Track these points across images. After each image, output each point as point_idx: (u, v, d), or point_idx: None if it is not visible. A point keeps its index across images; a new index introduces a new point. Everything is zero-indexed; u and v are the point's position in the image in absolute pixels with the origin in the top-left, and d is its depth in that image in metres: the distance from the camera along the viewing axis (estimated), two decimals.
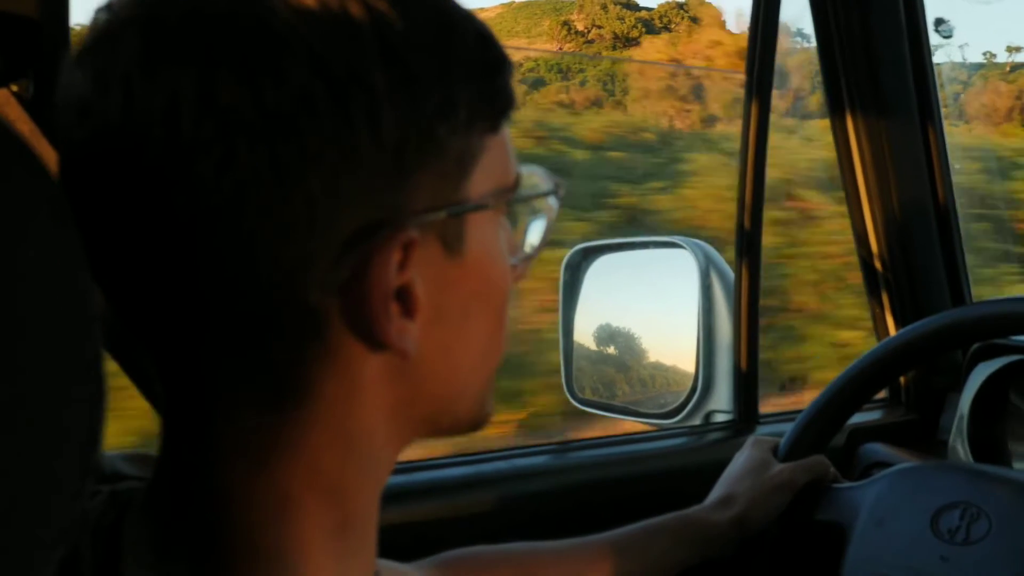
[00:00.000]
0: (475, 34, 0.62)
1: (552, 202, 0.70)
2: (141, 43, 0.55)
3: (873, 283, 1.76)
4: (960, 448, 1.52)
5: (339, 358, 0.59)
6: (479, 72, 0.61)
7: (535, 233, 0.70)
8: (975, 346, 1.54)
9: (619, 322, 1.76)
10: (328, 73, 0.54)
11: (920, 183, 1.69)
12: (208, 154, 0.53)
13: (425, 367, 0.62)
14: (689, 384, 1.66)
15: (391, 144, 0.56)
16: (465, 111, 0.60)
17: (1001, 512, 1.15)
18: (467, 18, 0.62)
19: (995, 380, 1.52)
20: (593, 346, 1.75)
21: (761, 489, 1.26)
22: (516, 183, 0.66)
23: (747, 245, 1.60)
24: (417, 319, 0.60)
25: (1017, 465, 1.50)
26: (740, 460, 1.32)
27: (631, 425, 1.74)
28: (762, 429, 1.63)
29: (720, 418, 1.65)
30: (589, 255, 1.75)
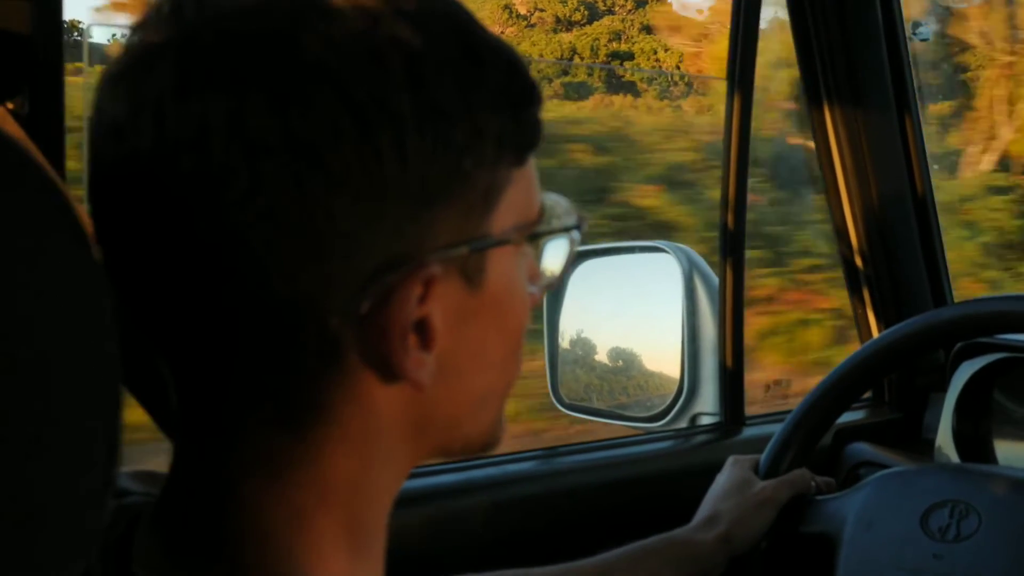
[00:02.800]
0: (505, 64, 0.61)
1: (575, 236, 0.69)
2: (174, 68, 0.55)
3: (854, 282, 1.77)
4: (946, 447, 1.53)
5: (355, 384, 0.59)
6: (508, 103, 0.61)
7: (554, 259, 0.69)
8: (958, 345, 1.55)
9: (604, 327, 1.77)
10: (355, 102, 0.55)
11: (899, 182, 1.71)
12: (236, 179, 0.54)
13: (440, 394, 0.63)
14: (675, 387, 1.66)
15: (416, 175, 0.56)
16: (492, 143, 0.59)
17: (989, 507, 1.17)
18: (498, 47, 0.62)
19: (979, 379, 1.53)
20: (578, 351, 1.76)
21: (745, 507, 1.27)
22: (539, 217, 0.65)
23: (731, 245, 1.61)
24: (433, 349, 0.60)
25: (1002, 462, 1.52)
26: (722, 480, 1.33)
27: (617, 429, 1.74)
28: (748, 431, 1.64)
29: (706, 420, 1.66)
30: (574, 260, 1.75)
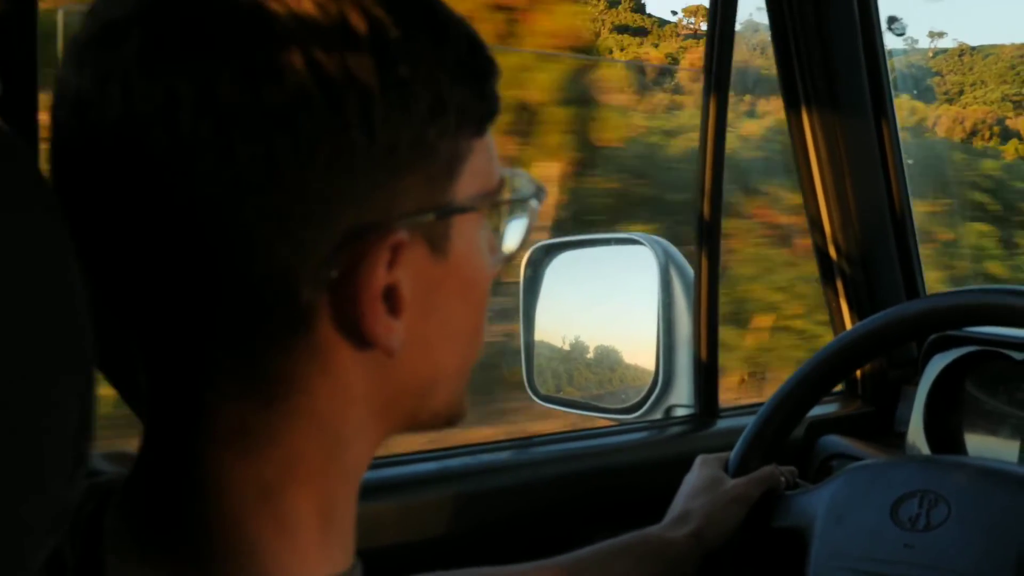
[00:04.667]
0: (466, 39, 0.63)
1: (534, 205, 0.71)
2: (142, 41, 0.56)
3: (829, 277, 1.79)
4: (918, 439, 1.54)
5: (326, 353, 0.60)
6: (469, 76, 0.63)
7: (513, 234, 0.71)
8: (930, 338, 1.56)
9: (580, 318, 1.78)
10: (324, 73, 0.55)
11: (874, 178, 1.73)
12: (206, 150, 0.54)
13: (407, 363, 0.64)
14: (650, 379, 1.67)
15: (384, 145, 0.57)
16: (455, 114, 0.61)
17: (958, 495, 1.18)
18: (458, 23, 0.63)
19: (951, 371, 1.54)
20: (554, 342, 1.76)
21: (716, 505, 1.27)
22: (500, 186, 0.67)
23: (707, 235, 1.62)
24: (402, 317, 0.61)
25: (972, 454, 1.53)
26: (691, 479, 1.33)
27: (593, 420, 1.75)
28: (722, 422, 1.65)
29: (681, 412, 1.67)
30: (550, 252, 1.76)
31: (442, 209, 0.62)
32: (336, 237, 0.57)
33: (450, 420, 0.71)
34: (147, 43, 0.55)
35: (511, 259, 0.72)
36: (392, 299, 0.60)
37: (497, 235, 0.70)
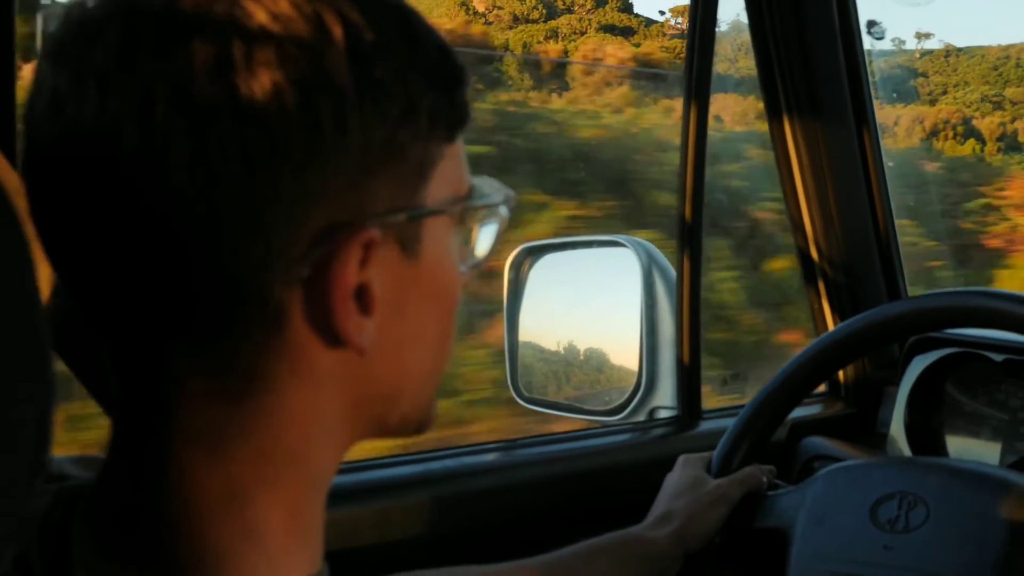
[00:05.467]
0: (437, 46, 0.64)
1: (503, 212, 0.72)
2: (118, 38, 0.56)
3: (812, 280, 1.80)
4: (898, 440, 1.55)
5: (296, 352, 0.60)
6: (440, 82, 0.63)
7: (483, 241, 0.72)
8: (911, 340, 1.57)
9: (563, 320, 1.78)
10: (299, 73, 0.56)
11: (856, 182, 1.74)
12: (181, 148, 0.55)
13: (378, 365, 0.64)
14: (633, 381, 1.68)
15: (356, 146, 0.58)
16: (426, 119, 0.62)
17: (937, 497, 1.18)
18: (430, 30, 0.64)
19: (931, 372, 1.55)
20: (538, 344, 1.77)
21: (698, 505, 1.28)
22: (470, 192, 0.68)
23: (689, 237, 1.63)
24: (374, 317, 0.62)
25: (953, 455, 1.54)
26: (673, 479, 1.34)
27: (576, 422, 1.76)
28: (705, 424, 1.66)
29: (664, 414, 1.67)
30: (533, 254, 1.76)
31: (413, 210, 0.63)
32: (308, 235, 0.58)
33: (419, 426, 0.71)
34: (125, 40, 0.56)
35: (481, 265, 0.73)
36: (364, 298, 0.61)
37: (467, 242, 0.71)
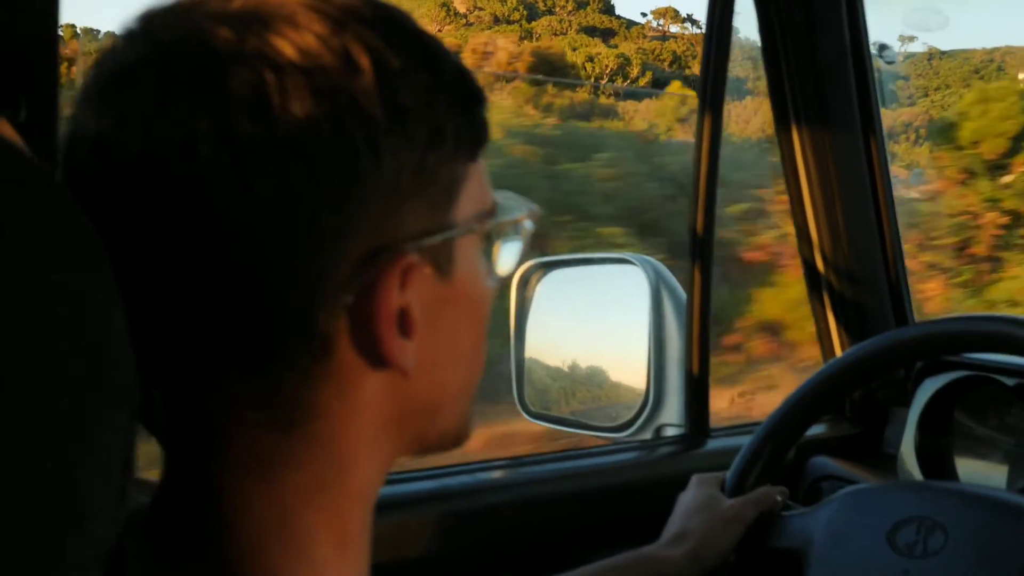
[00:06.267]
0: (456, 68, 0.65)
1: (528, 225, 0.74)
2: (157, 80, 0.57)
3: (817, 295, 1.80)
4: (909, 463, 1.56)
5: (343, 378, 0.62)
6: (461, 103, 0.65)
7: (508, 254, 0.73)
8: (921, 362, 1.58)
9: (570, 336, 1.78)
10: (332, 104, 0.57)
11: (863, 202, 1.74)
12: (224, 184, 0.56)
13: (417, 383, 0.65)
14: (639, 398, 1.68)
15: (390, 172, 0.59)
16: (451, 140, 0.63)
17: (955, 523, 1.19)
18: (447, 53, 0.66)
19: (940, 396, 1.56)
20: (545, 360, 1.77)
21: (713, 524, 1.28)
22: (494, 208, 0.70)
23: (700, 250, 1.63)
24: (414, 338, 0.62)
25: (963, 479, 1.55)
26: (688, 498, 1.34)
27: (583, 438, 1.76)
28: (713, 443, 1.66)
29: (671, 431, 1.68)
30: (542, 270, 1.77)
31: (447, 231, 0.64)
32: (350, 262, 0.59)
33: (457, 440, 0.72)
34: (164, 81, 0.57)
35: (506, 280, 0.74)
36: (404, 321, 0.62)
37: (490, 257, 0.72)
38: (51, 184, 0.51)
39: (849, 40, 1.69)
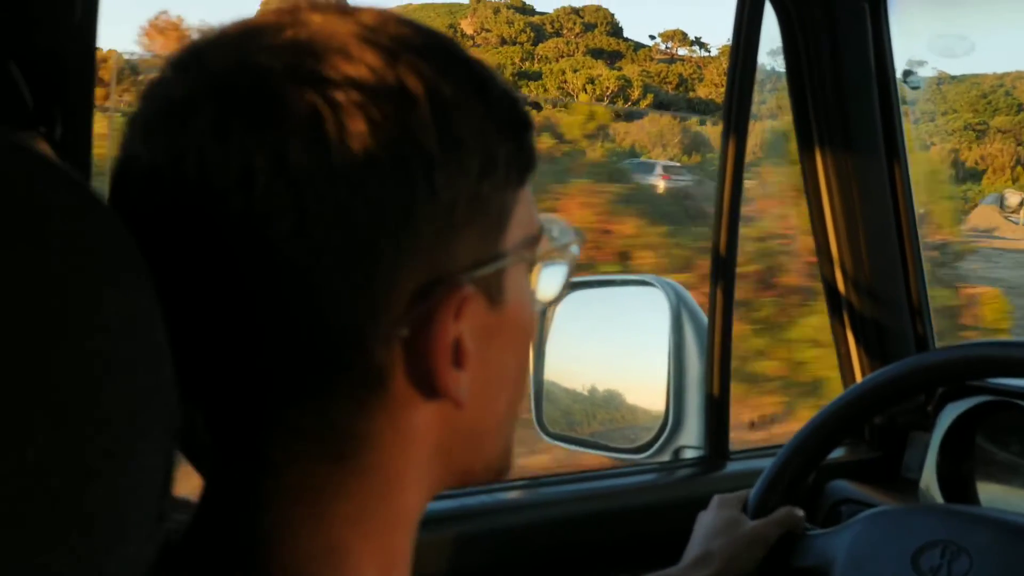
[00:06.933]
0: (506, 95, 0.65)
1: (574, 251, 0.73)
2: (213, 115, 0.57)
3: (839, 317, 1.80)
4: (931, 487, 1.56)
5: (397, 410, 0.61)
6: (510, 130, 0.64)
7: (553, 279, 0.73)
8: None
9: (590, 357, 1.78)
10: (387, 136, 0.57)
11: (886, 227, 1.74)
12: (282, 216, 0.55)
13: (467, 413, 0.65)
14: (658, 420, 1.68)
15: (445, 203, 0.59)
16: (503, 168, 0.63)
17: (980, 549, 1.19)
18: (496, 79, 0.65)
19: (962, 420, 1.56)
20: (563, 381, 1.77)
21: (736, 545, 1.29)
22: (540, 233, 0.69)
23: (722, 271, 1.63)
24: (467, 368, 0.62)
25: (984, 503, 1.54)
26: (709, 519, 1.34)
27: (601, 459, 1.76)
28: (732, 465, 1.66)
29: (689, 454, 1.67)
30: (562, 291, 1.76)
31: (499, 261, 0.63)
32: (407, 294, 0.58)
33: (501, 470, 0.72)
34: (219, 116, 0.57)
35: (551, 304, 0.74)
36: (458, 352, 0.61)
37: (534, 282, 0.71)
38: (100, 206, 0.51)
39: (874, 65, 1.69)
